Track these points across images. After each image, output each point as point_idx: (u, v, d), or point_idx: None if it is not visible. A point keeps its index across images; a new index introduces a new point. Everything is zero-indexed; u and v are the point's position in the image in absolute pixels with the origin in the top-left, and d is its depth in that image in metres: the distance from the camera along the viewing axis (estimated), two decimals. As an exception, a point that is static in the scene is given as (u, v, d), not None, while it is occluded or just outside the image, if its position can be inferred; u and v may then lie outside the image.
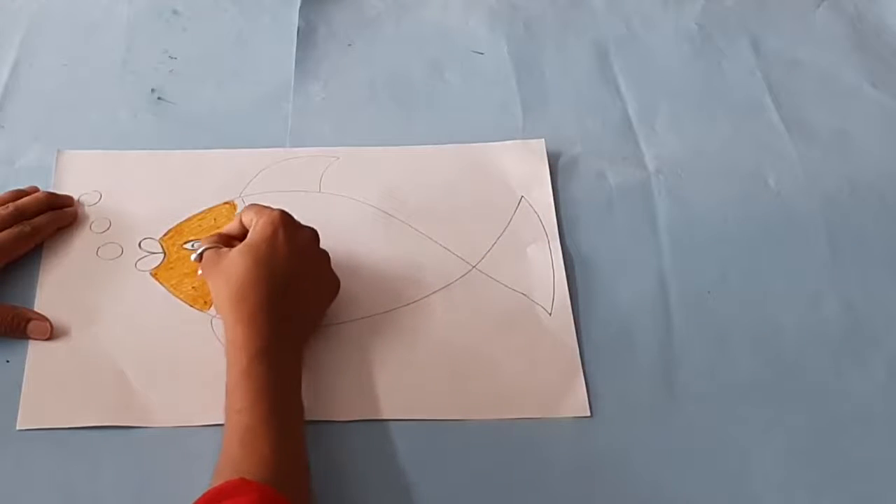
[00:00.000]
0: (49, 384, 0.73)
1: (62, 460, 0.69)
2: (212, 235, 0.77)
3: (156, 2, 1.05)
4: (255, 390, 0.65)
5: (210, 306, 0.78)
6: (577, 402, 0.74)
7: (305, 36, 1.01)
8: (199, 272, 0.76)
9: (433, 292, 0.80)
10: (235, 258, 0.72)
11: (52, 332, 0.75)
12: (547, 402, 0.74)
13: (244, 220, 0.75)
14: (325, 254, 0.76)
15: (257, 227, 0.73)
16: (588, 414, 0.73)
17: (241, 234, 0.76)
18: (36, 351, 0.74)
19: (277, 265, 0.71)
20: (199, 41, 1.01)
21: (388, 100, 0.96)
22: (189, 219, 0.84)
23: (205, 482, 0.67)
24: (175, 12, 1.04)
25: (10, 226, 0.79)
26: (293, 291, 0.71)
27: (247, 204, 0.78)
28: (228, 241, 0.76)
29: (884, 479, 0.71)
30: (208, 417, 0.71)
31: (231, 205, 0.85)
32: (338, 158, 0.89)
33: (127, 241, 0.82)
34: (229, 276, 0.71)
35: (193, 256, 0.76)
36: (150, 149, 0.89)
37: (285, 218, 0.73)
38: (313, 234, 0.75)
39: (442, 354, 0.76)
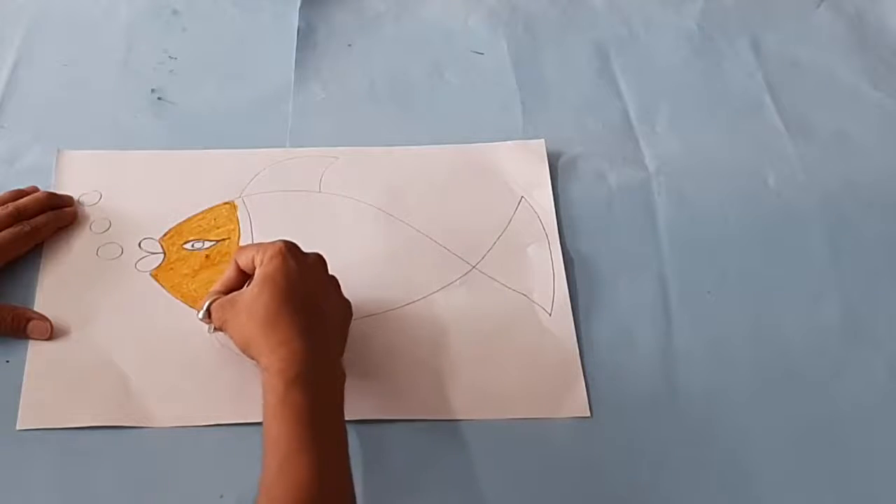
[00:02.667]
0: (49, 384, 0.73)
1: (62, 460, 0.69)
2: (211, 291, 0.74)
3: (156, 2, 1.05)
4: (293, 417, 0.63)
5: (210, 306, 0.77)
6: (577, 402, 0.74)
7: (305, 36, 1.01)
8: (211, 329, 0.73)
9: (433, 292, 0.80)
10: (254, 293, 0.69)
11: (52, 332, 0.75)
12: (547, 402, 0.74)
13: (242, 263, 0.73)
14: (334, 278, 0.74)
15: (265, 261, 0.70)
16: (588, 414, 0.73)
17: (240, 280, 0.73)
18: (36, 351, 0.74)
19: (297, 290, 0.69)
20: (199, 41, 1.01)
21: (388, 100, 0.96)
22: (189, 219, 0.84)
23: (205, 482, 0.67)
24: (175, 12, 1.04)
25: (10, 226, 0.79)
26: (317, 313, 0.69)
27: (241, 246, 0.74)
28: (228, 290, 0.73)
29: (884, 480, 0.71)
30: (208, 417, 0.71)
31: (231, 205, 0.85)
32: (337, 158, 0.89)
33: (127, 241, 0.82)
34: (253, 310, 0.68)
35: (200, 315, 0.72)
36: (150, 149, 0.89)
37: (291, 246, 0.71)
38: (320, 259, 0.73)
39: (442, 354, 0.76)
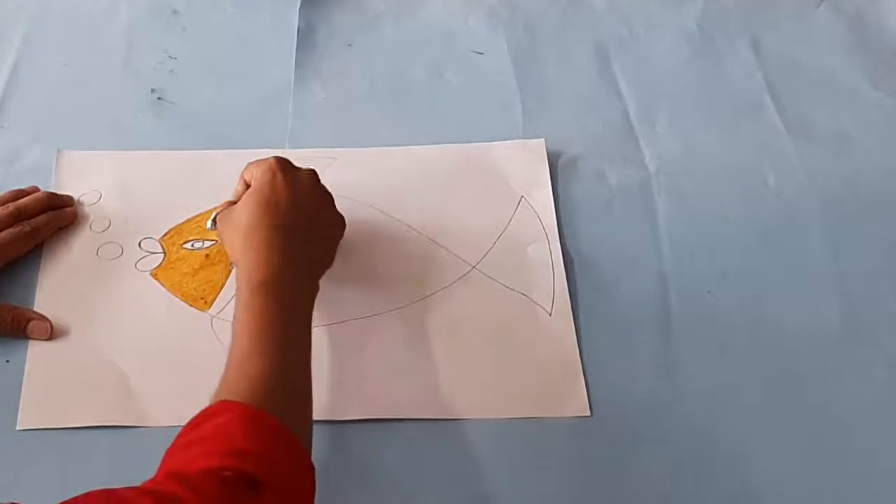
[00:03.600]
0: (49, 384, 0.73)
1: (62, 460, 0.69)
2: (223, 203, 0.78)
3: (156, 2, 1.05)
4: (253, 321, 0.65)
5: (210, 305, 0.78)
6: (577, 402, 0.74)
7: (305, 36, 1.01)
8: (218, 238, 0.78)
9: (433, 292, 0.80)
10: (241, 205, 0.74)
11: (52, 332, 0.75)
12: (547, 402, 0.74)
13: (246, 177, 0.77)
14: (327, 193, 0.77)
15: (257, 176, 0.75)
16: (588, 414, 0.73)
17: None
18: (36, 351, 0.75)
19: (281, 203, 0.72)
20: (199, 41, 1.01)
21: (388, 100, 0.96)
22: (189, 219, 0.84)
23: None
24: (175, 12, 1.04)
25: (10, 226, 0.79)
26: (300, 227, 0.72)
27: (250, 162, 0.78)
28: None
29: (884, 479, 0.71)
30: (208, 417, 0.71)
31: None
32: (337, 159, 0.89)
33: (127, 241, 0.82)
34: (238, 222, 0.73)
35: (209, 224, 0.77)
36: (150, 149, 0.90)
37: (281, 161, 0.75)
38: (312, 174, 0.77)
39: (442, 354, 0.76)
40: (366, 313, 0.78)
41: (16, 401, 0.72)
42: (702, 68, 1.00)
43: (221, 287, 0.79)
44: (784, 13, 1.07)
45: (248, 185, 0.77)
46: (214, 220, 0.77)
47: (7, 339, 0.75)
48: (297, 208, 0.73)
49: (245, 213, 0.73)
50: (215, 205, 0.84)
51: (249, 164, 0.77)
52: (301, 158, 0.88)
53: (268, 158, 0.76)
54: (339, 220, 0.78)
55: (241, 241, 0.72)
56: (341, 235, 0.78)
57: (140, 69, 0.98)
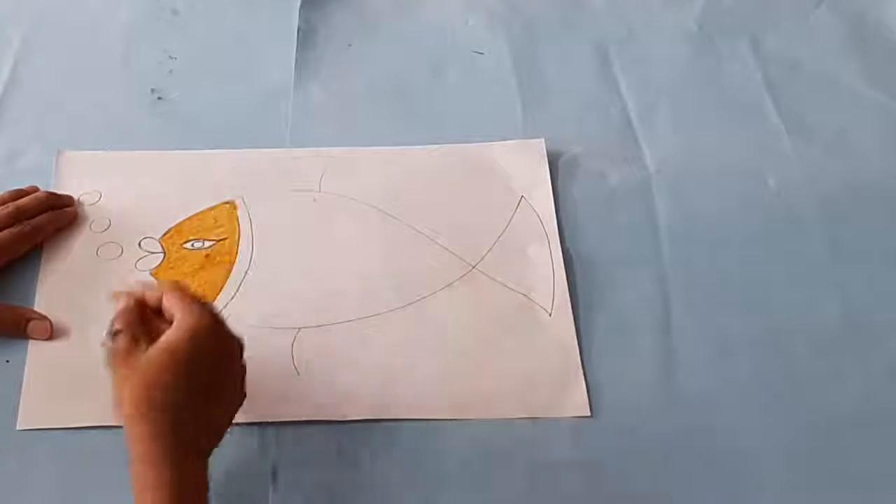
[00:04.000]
0: (49, 384, 0.73)
1: (62, 460, 0.69)
2: (128, 303, 0.66)
3: (156, 2, 1.05)
4: None
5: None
6: (577, 402, 0.74)
7: (305, 36, 1.01)
8: (107, 351, 0.64)
9: (433, 292, 0.80)
10: (151, 358, 0.62)
11: (52, 332, 0.75)
12: (547, 402, 0.74)
13: (167, 306, 0.65)
14: (244, 368, 0.67)
15: (181, 327, 0.63)
16: (588, 414, 0.73)
17: (159, 310, 0.66)
18: (36, 351, 0.74)
19: (195, 374, 0.62)
20: (199, 41, 1.01)
21: (388, 100, 0.96)
22: (189, 218, 0.84)
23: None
24: (175, 12, 1.04)
25: (10, 226, 0.79)
26: (206, 406, 0.63)
27: (168, 289, 0.66)
28: (144, 312, 0.66)
29: (884, 480, 0.71)
30: (208, 417, 0.71)
31: (231, 204, 0.85)
32: (337, 158, 0.89)
33: (127, 241, 0.82)
34: (141, 375, 0.61)
35: (105, 335, 0.64)
36: (150, 149, 0.89)
37: (213, 324, 0.64)
38: (238, 346, 0.66)
39: (442, 354, 0.76)
40: (366, 313, 0.78)
41: (16, 401, 0.72)
42: (702, 68, 1.00)
43: (221, 287, 0.79)
44: (784, 13, 1.07)
45: (162, 309, 0.65)
46: (114, 335, 0.64)
47: (7, 339, 0.75)
48: (213, 380, 0.63)
49: (153, 369, 0.61)
50: (215, 204, 0.85)
51: (175, 295, 0.65)
52: (302, 157, 0.89)
53: (203, 312, 0.64)
54: (243, 398, 0.68)
55: (141, 404, 0.61)
56: (236, 411, 0.67)
57: (140, 69, 0.98)
